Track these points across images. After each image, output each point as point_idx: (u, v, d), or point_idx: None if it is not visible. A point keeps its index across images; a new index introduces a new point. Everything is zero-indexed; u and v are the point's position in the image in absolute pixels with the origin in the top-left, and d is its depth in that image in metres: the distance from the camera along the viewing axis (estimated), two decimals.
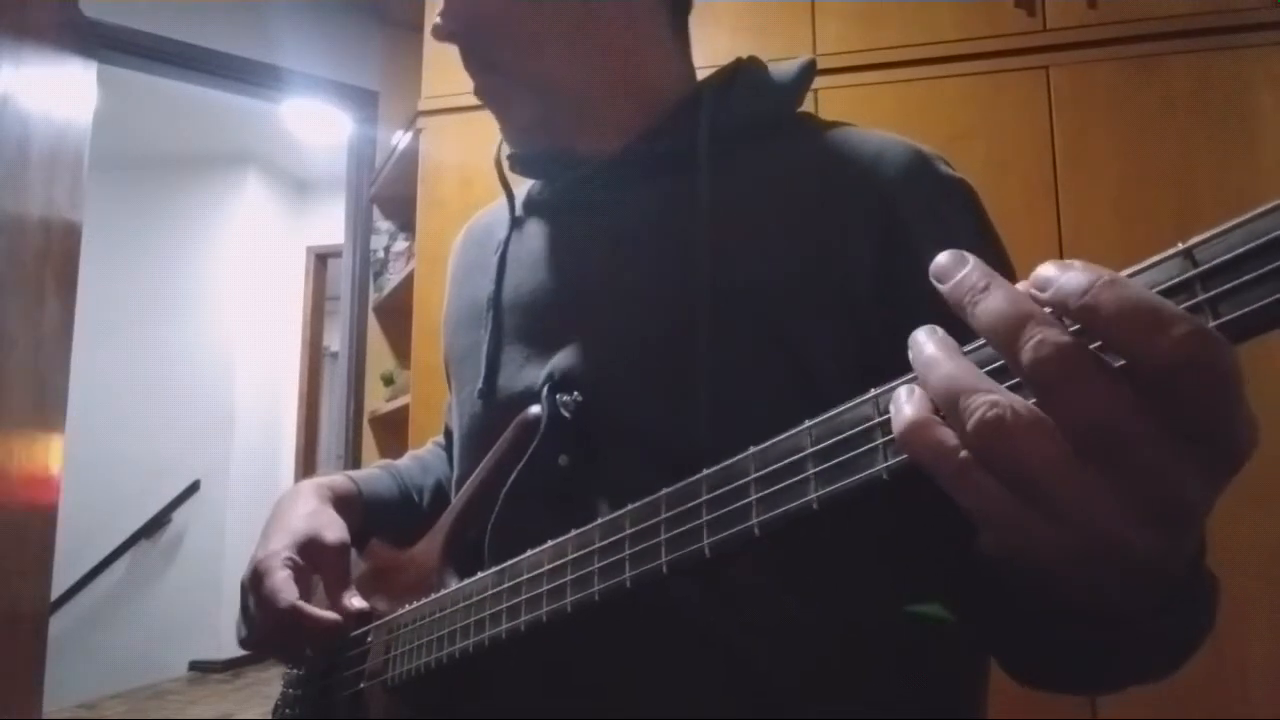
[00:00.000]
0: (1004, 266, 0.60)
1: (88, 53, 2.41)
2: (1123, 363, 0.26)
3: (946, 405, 0.29)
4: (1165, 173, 1.60)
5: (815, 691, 0.53)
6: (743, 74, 0.67)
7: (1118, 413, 0.26)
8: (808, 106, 0.71)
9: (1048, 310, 0.27)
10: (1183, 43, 1.63)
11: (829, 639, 0.53)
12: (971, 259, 0.30)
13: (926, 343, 0.31)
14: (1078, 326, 0.27)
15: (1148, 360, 0.25)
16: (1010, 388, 0.28)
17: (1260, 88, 1.59)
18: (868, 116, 1.80)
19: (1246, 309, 0.25)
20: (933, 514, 0.39)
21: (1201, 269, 0.26)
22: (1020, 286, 0.29)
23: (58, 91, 2.21)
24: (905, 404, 0.30)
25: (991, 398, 0.27)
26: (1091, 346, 0.27)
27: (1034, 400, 0.27)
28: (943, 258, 0.30)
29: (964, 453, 0.28)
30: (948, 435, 0.29)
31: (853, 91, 1.77)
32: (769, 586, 0.53)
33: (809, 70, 0.68)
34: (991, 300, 0.28)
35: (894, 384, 0.33)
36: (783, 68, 0.68)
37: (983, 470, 0.28)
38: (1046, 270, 0.28)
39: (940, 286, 0.30)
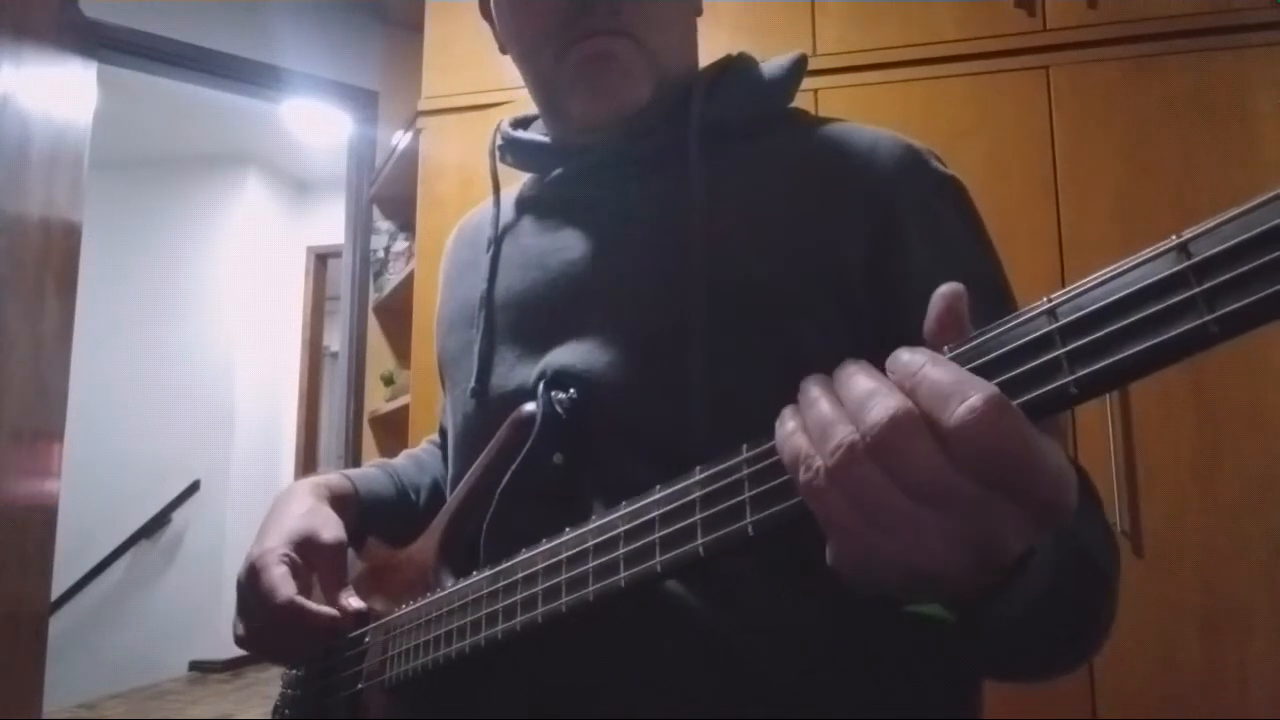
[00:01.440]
0: (993, 262, 0.61)
1: (88, 53, 2.41)
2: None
3: (815, 434, 0.33)
4: (1165, 173, 1.60)
5: (813, 691, 0.53)
6: (732, 70, 0.67)
7: (941, 469, 0.30)
8: (807, 106, 0.71)
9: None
10: (1183, 43, 1.63)
11: (827, 638, 0.53)
12: (862, 365, 0.34)
13: (810, 386, 0.35)
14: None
15: (948, 426, 0.29)
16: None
17: (1260, 88, 1.59)
18: (868, 116, 1.79)
19: (1243, 302, 0.25)
20: None
21: (1195, 260, 0.26)
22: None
23: (58, 91, 2.21)
24: (789, 419, 0.35)
25: (850, 429, 0.32)
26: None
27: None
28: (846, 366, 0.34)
29: (818, 462, 0.32)
30: (807, 445, 0.33)
31: (853, 91, 1.77)
32: (767, 586, 0.53)
33: (800, 66, 0.68)
34: (857, 380, 0.33)
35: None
36: (773, 64, 0.68)
37: (830, 482, 0.32)
38: (899, 354, 0.32)
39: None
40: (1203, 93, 1.61)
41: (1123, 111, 1.64)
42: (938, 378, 0.30)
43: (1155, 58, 1.64)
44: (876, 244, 0.57)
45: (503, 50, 0.72)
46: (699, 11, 0.71)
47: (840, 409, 0.33)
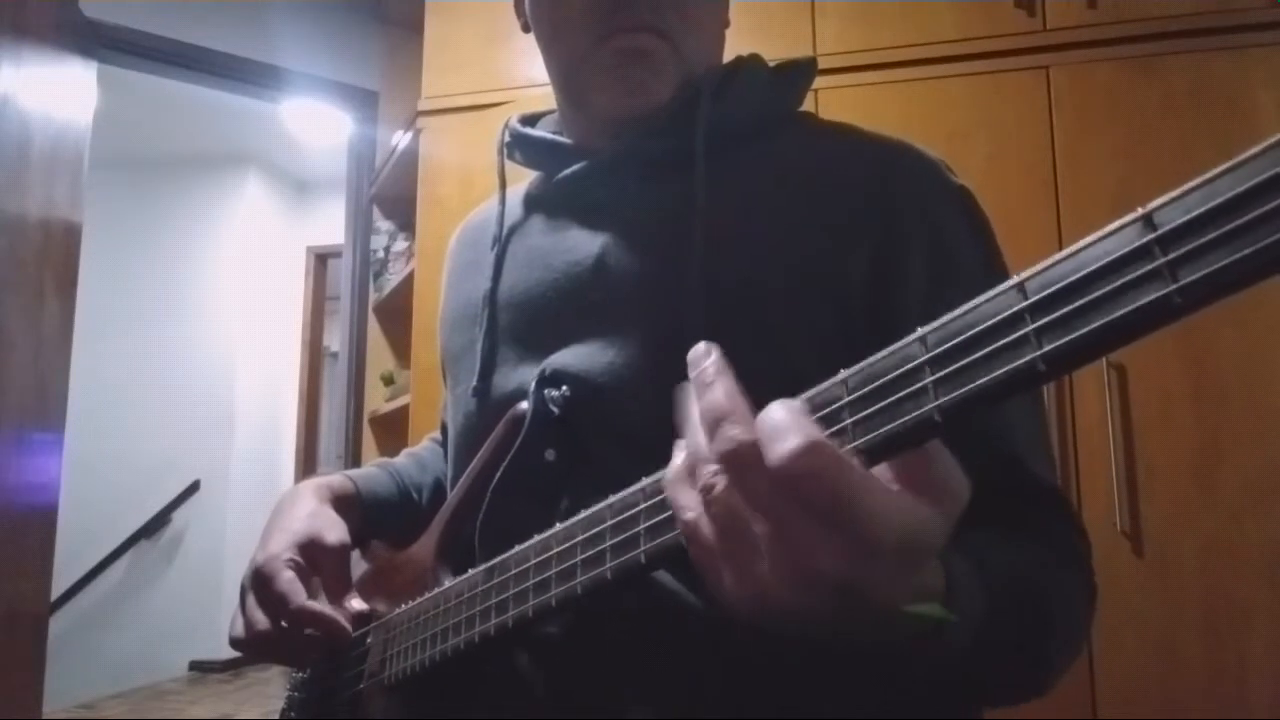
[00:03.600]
0: (998, 271, 0.60)
1: (88, 53, 2.41)
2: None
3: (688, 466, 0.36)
4: (1165, 173, 1.60)
5: (810, 690, 0.53)
6: (742, 73, 0.67)
7: (761, 503, 0.32)
8: (807, 106, 0.71)
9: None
10: (1183, 43, 1.63)
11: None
12: (714, 353, 0.37)
13: (698, 423, 0.36)
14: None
15: (771, 464, 0.31)
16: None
17: (1260, 88, 1.59)
18: (868, 116, 1.79)
19: (1205, 271, 0.25)
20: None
21: (1160, 232, 0.26)
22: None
23: (58, 91, 2.21)
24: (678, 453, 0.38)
25: (712, 474, 0.34)
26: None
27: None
28: (696, 350, 0.38)
29: (690, 514, 0.35)
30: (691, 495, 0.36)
31: (853, 91, 1.77)
32: None
33: (809, 69, 0.68)
34: (709, 395, 0.35)
35: (831, 381, 0.35)
36: (782, 66, 0.68)
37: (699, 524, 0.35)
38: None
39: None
40: (1203, 93, 1.61)
41: (1123, 111, 1.64)
42: (763, 416, 0.33)
43: (1155, 58, 1.64)
44: (880, 252, 0.57)
45: (525, 29, 0.72)
46: (728, 23, 0.72)
47: (703, 447, 0.35)
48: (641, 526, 0.41)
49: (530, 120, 0.76)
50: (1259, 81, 1.59)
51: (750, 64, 0.68)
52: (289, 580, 0.62)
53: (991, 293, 0.30)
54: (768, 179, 0.62)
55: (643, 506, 0.42)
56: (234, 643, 0.65)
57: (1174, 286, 0.25)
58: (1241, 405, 1.50)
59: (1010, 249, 0.62)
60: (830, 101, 1.74)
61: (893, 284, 0.56)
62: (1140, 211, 0.26)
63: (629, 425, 0.58)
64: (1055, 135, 1.67)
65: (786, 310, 0.56)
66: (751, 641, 0.53)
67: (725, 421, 0.33)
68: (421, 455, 0.86)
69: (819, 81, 1.78)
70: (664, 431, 0.56)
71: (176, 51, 2.74)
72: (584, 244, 0.66)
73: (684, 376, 0.56)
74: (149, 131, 4.53)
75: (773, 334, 0.56)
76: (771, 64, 0.69)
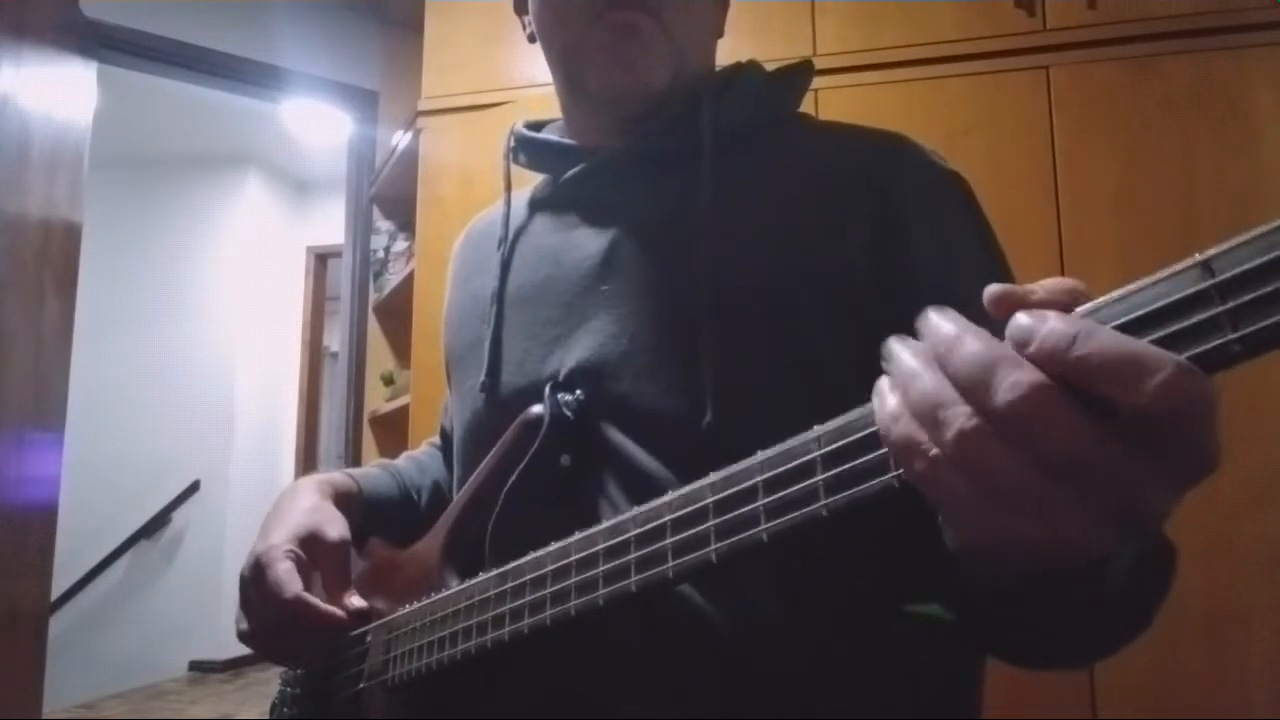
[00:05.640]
0: (997, 258, 0.61)
1: (88, 53, 2.41)
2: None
3: (925, 417, 0.29)
4: (1165, 173, 1.60)
5: (812, 691, 0.53)
6: (742, 77, 0.68)
7: (1089, 446, 0.27)
8: (808, 106, 0.72)
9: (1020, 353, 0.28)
10: (1183, 43, 1.63)
11: (827, 638, 0.53)
12: (950, 314, 0.30)
13: (902, 353, 0.31)
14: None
15: (1135, 405, 0.26)
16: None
17: (1260, 88, 1.59)
18: (868, 116, 1.78)
19: (1267, 322, 0.25)
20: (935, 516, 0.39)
21: (1219, 279, 0.26)
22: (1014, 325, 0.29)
23: (58, 91, 2.21)
24: (889, 397, 0.31)
25: (968, 410, 0.28)
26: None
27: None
28: (929, 314, 0.31)
29: (935, 450, 0.29)
30: (918, 431, 0.30)
31: (853, 91, 1.77)
32: (767, 586, 0.53)
33: (806, 73, 0.70)
34: (965, 348, 0.29)
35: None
36: (780, 71, 0.69)
37: (953, 470, 0.29)
38: (1022, 321, 0.28)
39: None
40: (1203, 93, 1.61)
41: (1123, 111, 1.64)
42: (1111, 345, 0.26)
43: (1155, 58, 1.64)
44: (881, 242, 0.58)
45: (531, 40, 0.73)
46: (720, 32, 0.74)
47: (947, 383, 0.29)
48: (669, 541, 0.41)
49: (536, 126, 0.77)
50: (1259, 81, 1.59)
51: (749, 69, 0.70)
52: (286, 570, 0.62)
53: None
54: (769, 173, 0.63)
55: (669, 519, 0.41)
56: (240, 636, 0.65)
57: (1235, 335, 0.25)
58: (1241, 408, 1.50)
59: (1010, 249, 0.62)
60: (830, 101, 1.74)
61: (897, 268, 0.57)
62: (1198, 257, 0.26)
63: (642, 419, 0.58)
64: (1055, 135, 1.67)
65: (795, 300, 0.57)
66: (754, 645, 0.53)
67: (1003, 366, 0.27)
68: (420, 458, 0.86)
69: (819, 81, 1.79)
70: (677, 425, 0.56)
71: (176, 51, 2.74)
72: (591, 242, 0.66)
73: (697, 370, 0.56)
74: (149, 131, 4.53)
75: (782, 324, 0.57)
76: (769, 68, 0.70)
